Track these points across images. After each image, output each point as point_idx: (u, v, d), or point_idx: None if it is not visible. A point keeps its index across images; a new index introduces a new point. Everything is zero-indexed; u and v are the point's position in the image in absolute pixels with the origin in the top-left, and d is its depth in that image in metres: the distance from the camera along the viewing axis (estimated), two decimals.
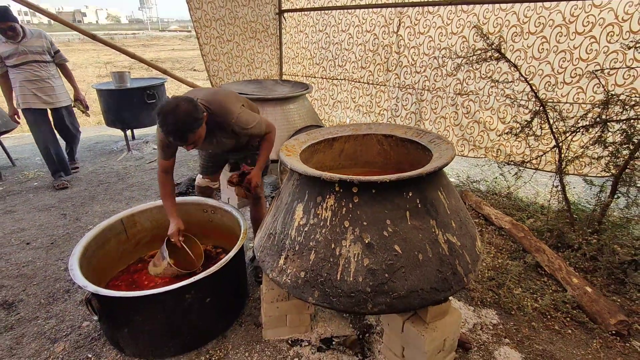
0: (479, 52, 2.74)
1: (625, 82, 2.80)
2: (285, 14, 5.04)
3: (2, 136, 4.50)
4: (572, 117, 2.66)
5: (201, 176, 2.64)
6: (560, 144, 2.70)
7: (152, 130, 6.08)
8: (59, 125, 4.04)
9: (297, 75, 5.32)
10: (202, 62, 4.58)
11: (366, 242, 1.50)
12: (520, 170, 3.00)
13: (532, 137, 2.94)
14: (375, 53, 4.40)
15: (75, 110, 4.21)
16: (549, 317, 2.21)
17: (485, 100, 3.62)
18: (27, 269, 2.72)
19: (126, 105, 4.91)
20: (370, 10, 4.27)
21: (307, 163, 2.07)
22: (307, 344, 2.02)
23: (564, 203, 2.83)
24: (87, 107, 4.16)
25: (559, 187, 2.81)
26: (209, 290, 1.94)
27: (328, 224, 1.55)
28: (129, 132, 5.40)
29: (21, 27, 3.52)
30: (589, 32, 2.87)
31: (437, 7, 3.71)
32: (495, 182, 3.89)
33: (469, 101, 3.73)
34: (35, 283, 2.56)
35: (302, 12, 4.91)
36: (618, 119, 2.41)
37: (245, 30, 4.78)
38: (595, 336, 2.08)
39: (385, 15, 4.16)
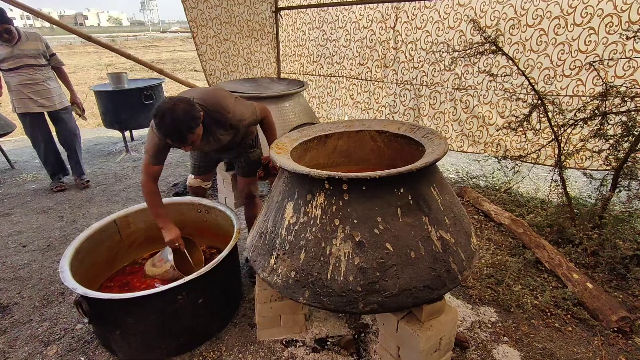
0: (475, 45, 2.70)
1: (625, 74, 2.74)
2: (282, 12, 5.01)
3: (1, 139, 4.50)
4: (572, 110, 2.61)
5: (192, 176, 2.62)
6: (559, 138, 2.65)
7: None
8: (56, 128, 3.95)
9: (295, 73, 5.29)
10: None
11: (357, 240, 1.46)
12: (517, 165, 2.95)
13: (531, 131, 2.90)
14: (372, 49, 4.36)
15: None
16: (548, 314, 2.17)
17: (484, 95, 3.57)
18: (22, 271, 2.71)
19: (124, 106, 4.90)
20: (367, 6, 4.23)
21: (299, 161, 2.04)
22: (301, 344, 1.99)
23: (564, 198, 2.78)
24: (83, 111, 4.10)
25: (559, 181, 2.76)
26: (201, 291, 1.91)
27: (318, 222, 1.52)
28: (127, 133, 5.39)
29: (16, 29, 3.48)
30: (587, 24, 2.81)
31: (433, 1, 3.66)
32: (495, 178, 3.84)
33: (467, 96, 3.69)
34: (30, 286, 2.55)
35: (299, 10, 4.87)
36: (617, 111, 2.36)
37: (241, 29, 4.74)
38: (596, 333, 2.03)
39: (382, 11, 4.12)
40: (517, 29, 3.18)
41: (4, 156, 4.67)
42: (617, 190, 2.57)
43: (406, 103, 4.22)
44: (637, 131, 2.32)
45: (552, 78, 3.08)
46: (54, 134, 3.95)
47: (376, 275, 1.44)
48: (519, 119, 2.79)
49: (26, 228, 3.29)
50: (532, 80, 2.74)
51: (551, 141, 2.73)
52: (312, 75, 5.10)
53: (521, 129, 2.83)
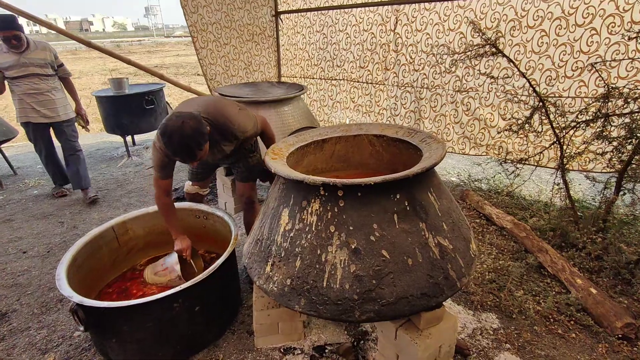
0: (475, 47, 2.67)
1: (628, 75, 2.71)
2: (282, 16, 5.00)
3: (3, 145, 4.52)
4: (574, 112, 2.57)
5: (190, 183, 2.61)
6: (561, 140, 2.62)
7: (152, 136, 6.08)
8: (59, 140, 3.81)
9: (296, 77, 5.28)
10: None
11: (352, 247, 1.44)
12: (518, 168, 2.91)
13: (533, 134, 2.86)
14: (373, 52, 4.34)
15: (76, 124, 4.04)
16: (551, 320, 2.13)
17: (486, 97, 3.54)
18: (22, 278, 2.71)
19: (125, 111, 4.91)
20: (367, 9, 4.21)
21: (296, 166, 2.03)
22: (299, 352, 1.97)
23: (567, 201, 2.74)
24: (87, 122, 4.04)
25: (561, 184, 2.72)
26: (198, 298, 1.89)
27: (313, 229, 1.50)
28: (129, 138, 5.41)
29: (26, 38, 3.43)
30: (589, 24, 2.78)
31: (433, 3, 3.64)
32: (497, 181, 3.79)
33: (468, 98, 3.66)
34: (29, 292, 2.55)
35: (299, 13, 4.87)
36: (620, 112, 2.32)
37: (241, 33, 4.75)
38: (600, 340, 1.99)
39: (382, 14, 4.10)
40: (518, 30, 3.15)
41: (7, 162, 4.69)
42: (621, 193, 2.52)
43: (407, 106, 4.19)
44: None
45: (554, 79, 3.05)
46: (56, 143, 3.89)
47: (372, 283, 1.41)
48: (520, 122, 2.75)
49: (27, 234, 3.29)
50: (533, 82, 2.72)
51: (553, 143, 2.69)
52: (313, 78, 5.09)
53: (523, 132, 2.80)
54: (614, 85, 2.34)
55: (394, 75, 4.21)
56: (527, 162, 2.98)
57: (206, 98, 2.28)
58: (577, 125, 2.51)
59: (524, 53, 3.16)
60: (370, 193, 1.45)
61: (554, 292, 2.30)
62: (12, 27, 3.28)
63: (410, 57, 3.99)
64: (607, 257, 2.41)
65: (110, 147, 5.84)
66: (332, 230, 1.47)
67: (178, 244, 2.21)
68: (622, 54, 2.69)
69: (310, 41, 4.92)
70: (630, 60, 2.62)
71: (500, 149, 3.51)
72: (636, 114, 2.26)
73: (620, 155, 2.44)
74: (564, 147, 2.66)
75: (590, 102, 2.53)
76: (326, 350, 1.96)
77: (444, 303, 1.63)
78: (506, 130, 2.90)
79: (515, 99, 3.07)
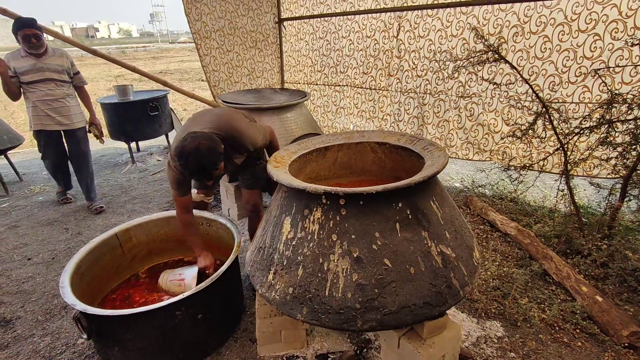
0: (478, 53, 2.67)
1: (632, 80, 2.70)
2: (285, 23, 5.04)
3: (9, 151, 4.57)
4: (577, 118, 2.56)
5: (195, 191, 2.62)
6: (565, 146, 2.60)
7: (157, 142, 6.13)
8: (70, 149, 3.73)
9: (299, 83, 5.30)
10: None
11: (355, 256, 1.44)
12: (521, 175, 2.90)
13: (537, 139, 2.85)
14: (376, 58, 4.35)
15: (90, 135, 3.95)
16: (557, 328, 2.10)
17: (489, 103, 3.53)
18: (27, 284, 2.72)
19: (129, 118, 4.95)
20: (370, 15, 4.23)
21: (299, 173, 2.03)
22: None
23: (571, 207, 2.72)
24: (101, 133, 3.93)
25: (566, 190, 2.70)
26: (200, 306, 1.89)
27: (315, 237, 1.50)
28: (133, 144, 5.44)
29: (45, 42, 3.39)
30: (592, 30, 2.77)
31: (435, 10, 3.65)
32: (501, 186, 3.77)
33: (472, 104, 3.65)
34: (33, 299, 2.56)
35: (302, 20, 4.90)
36: (624, 118, 2.31)
37: (245, 40, 4.78)
38: (606, 349, 1.96)
39: (385, 20, 4.12)
40: (521, 36, 3.14)
41: (13, 168, 4.73)
42: (626, 199, 2.50)
43: (410, 111, 4.19)
44: None
45: (558, 85, 3.04)
46: None
47: (375, 292, 1.41)
48: (523, 127, 2.74)
49: (32, 240, 3.32)
50: (536, 88, 2.71)
51: (557, 149, 2.68)
52: (317, 84, 5.11)
53: (526, 138, 2.79)
54: (617, 92, 2.33)
55: (397, 81, 4.22)
56: (531, 168, 2.97)
57: (215, 112, 2.29)
58: (581, 132, 2.49)
59: (527, 59, 3.16)
60: (372, 202, 1.45)
61: (559, 300, 2.28)
62: (33, 26, 3.25)
63: (413, 63, 4.00)
64: (613, 264, 2.39)
65: (115, 153, 5.87)
66: (334, 239, 1.47)
67: (202, 261, 2.19)
68: (626, 59, 2.68)
69: (313, 47, 4.94)
70: (633, 66, 2.60)
71: (504, 155, 3.50)
72: None
73: (625, 161, 2.42)
74: (568, 153, 2.64)
75: (594, 107, 2.52)
76: (329, 359, 1.95)
77: (447, 311, 1.62)
78: (510, 136, 2.89)
79: (519, 104, 3.06)
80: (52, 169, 3.82)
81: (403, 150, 1.97)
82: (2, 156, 4.56)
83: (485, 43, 2.58)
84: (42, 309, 2.46)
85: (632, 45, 2.20)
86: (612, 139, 2.43)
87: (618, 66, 2.66)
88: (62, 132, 3.60)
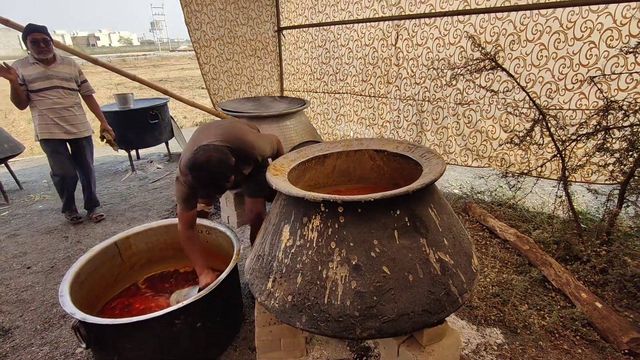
0: (476, 61, 2.70)
1: (628, 87, 2.72)
2: (284, 31, 5.08)
3: (10, 160, 4.58)
4: (574, 125, 2.58)
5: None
6: (562, 152, 2.62)
7: (157, 150, 6.15)
8: (76, 158, 3.65)
9: (299, 91, 5.33)
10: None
11: (353, 263, 1.44)
12: (518, 181, 2.91)
13: (535, 146, 2.87)
14: (375, 66, 4.39)
15: (103, 141, 3.92)
16: (557, 335, 2.10)
17: (487, 110, 3.55)
18: (26, 293, 2.72)
19: (130, 126, 4.98)
20: (368, 24, 4.27)
21: (298, 181, 2.04)
22: None
23: (570, 213, 2.73)
24: (115, 138, 3.87)
25: (564, 196, 2.71)
26: (199, 314, 1.89)
27: (314, 245, 1.51)
28: (133, 152, 5.46)
29: (54, 49, 3.39)
30: (587, 38, 2.80)
31: (433, 18, 3.69)
32: (500, 193, 3.78)
33: (470, 111, 3.68)
34: (32, 308, 2.55)
35: (301, 29, 4.94)
36: (620, 125, 2.33)
37: (244, 49, 4.82)
38: (607, 356, 1.96)
39: (383, 29, 4.16)
40: (517, 44, 3.18)
41: (13, 177, 4.75)
42: (624, 205, 2.51)
43: (409, 118, 4.22)
44: None
45: (555, 92, 3.06)
46: None
47: (373, 300, 1.41)
48: (521, 134, 2.76)
49: (31, 249, 3.32)
50: (533, 95, 2.74)
51: (555, 156, 2.70)
52: (316, 92, 5.14)
53: (524, 144, 2.81)
54: (612, 99, 2.35)
55: (396, 88, 4.25)
56: (529, 174, 2.98)
57: (223, 124, 2.29)
58: (578, 138, 2.51)
59: (524, 66, 3.18)
60: (370, 209, 1.46)
61: (558, 307, 2.28)
62: (43, 32, 3.24)
63: (412, 71, 4.03)
64: (612, 270, 2.39)
65: (115, 161, 5.89)
66: (333, 247, 1.47)
67: (203, 279, 2.08)
68: (622, 66, 2.71)
69: (312, 56, 4.98)
70: (629, 73, 2.63)
71: (503, 161, 3.52)
72: (637, 127, 2.26)
73: (622, 167, 2.44)
74: (566, 159, 2.66)
75: (591, 114, 2.54)
76: None
77: (446, 319, 1.62)
78: (508, 142, 2.91)
79: (516, 111, 3.08)
80: (60, 184, 3.60)
81: (401, 158, 1.98)
82: (2, 164, 4.58)
83: (482, 51, 2.61)
84: (41, 318, 2.46)
85: (627, 52, 2.23)
86: (609, 145, 2.44)
87: (614, 73, 2.69)
88: (67, 141, 3.53)
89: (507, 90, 3.19)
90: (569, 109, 3.01)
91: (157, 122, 5.12)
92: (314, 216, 1.53)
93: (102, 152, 6.47)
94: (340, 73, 4.78)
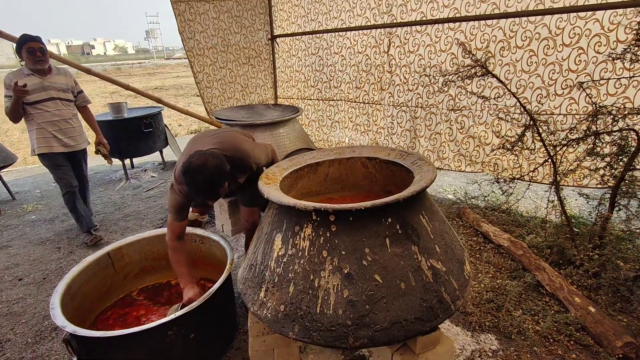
0: (467, 68, 2.72)
1: (617, 92, 2.75)
2: (278, 39, 5.11)
3: (2, 170, 4.55)
4: (565, 130, 2.60)
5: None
6: (554, 157, 2.64)
7: (151, 158, 6.13)
8: (73, 170, 3.51)
9: (293, 98, 5.35)
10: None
11: (345, 272, 1.44)
12: (510, 187, 2.92)
13: (527, 151, 2.89)
14: (368, 73, 4.42)
15: (98, 154, 3.83)
16: (551, 340, 2.10)
17: (479, 115, 3.58)
18: (17, 306, 2.68)
19: (124, 135, 4.96)
20: (361, 32, 4.31)
21: (290, 190, 2.04)
22: None
23: (562, 217, 2.74)
24: (109, 151, 3.77)
25: (556, 201, 2.72)
26: (192, 325, 1.88)
27: (306, 254, 1.50)
28: (127, 161, 5.44)
29: (49, 60, 3.30)
30: (576, 44, 2.84)
31: (424, 26, 3.72)
32: (494, 198, 3.80)
33: (462, 117, 3.70)
34: (24, 321, 2.52)
35: (294, 37, 4.97)
36: (609, 130, 2.35)
37: (238, 57, 4.84)
38: None
39: (376, 36, 4.19)
40: (507, 50, 3.21)
41: (5, 187, 4.71)
42: (616, 209, 2.53)
43: (403, 124, 4.24)
44: (630, 150, 2.30)
45: (545, 97, 3.09)
46: None
47: (366, 308, 1.40)
48: (512, 140, 2.78)
49: (23, 260, 3.28)
50: (524, 101, 2.76)
51: (546, 160, 2.71)
52: (310, 99, 5.16)
53: (516, 149, 2.83)
54: (601, 104, 2.37)
55: (390, 95, 4.27)
56: (522, 179, 3.00)
57: (218, 133, 2.29)
58: (569, 143, 2.53)
59: (514, 72, 3.22)
60: (361, 217, 1.46)
61: (552, 311, 2.28)
62: (38, 41, 3.17)
63: (404, 78, 4.06)
64: (605, 274, 2.40)
65: (109, 170, 5.86)
66: (325, 255, 1.47)
67: (186, 294, 2.01)
68: (610, 71, 2.74)
69: (306, 63, 5.01)
70: (617, 78, 2.66)
71: (496, 166, 3.54)
72: (625, 132, 2.29)
73: (612, 171, 2.46)
74: (557, 163, 2.68)
75: (581, 119, 2.56)
76: None
77: (440, 326, 1.62)
78: (500, 148, 2.93)
79: (508, 117, 3.11)
80: (72, 203, 3.45)
81: (393, 165, 1.99)
82: None
83: (473, 58, 2.63)
84: (32, 331, 2.43)
85: (614, 59, 2.25)
86: (599, 149, 2.46)
87: (602, 79, 2.72)
88: (67, 154, 3.42)
89: (499, 96, 3.22)
90: (560, 114, 3.04)
91: (151, 131, 5.12)
92: (305, 225, 1.53)
93: (96, 161, 6.43)
94: (334, 80, 4.81)
